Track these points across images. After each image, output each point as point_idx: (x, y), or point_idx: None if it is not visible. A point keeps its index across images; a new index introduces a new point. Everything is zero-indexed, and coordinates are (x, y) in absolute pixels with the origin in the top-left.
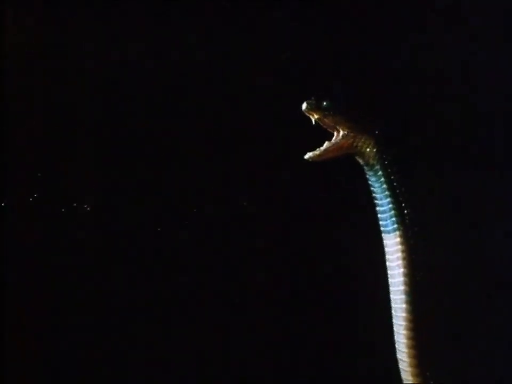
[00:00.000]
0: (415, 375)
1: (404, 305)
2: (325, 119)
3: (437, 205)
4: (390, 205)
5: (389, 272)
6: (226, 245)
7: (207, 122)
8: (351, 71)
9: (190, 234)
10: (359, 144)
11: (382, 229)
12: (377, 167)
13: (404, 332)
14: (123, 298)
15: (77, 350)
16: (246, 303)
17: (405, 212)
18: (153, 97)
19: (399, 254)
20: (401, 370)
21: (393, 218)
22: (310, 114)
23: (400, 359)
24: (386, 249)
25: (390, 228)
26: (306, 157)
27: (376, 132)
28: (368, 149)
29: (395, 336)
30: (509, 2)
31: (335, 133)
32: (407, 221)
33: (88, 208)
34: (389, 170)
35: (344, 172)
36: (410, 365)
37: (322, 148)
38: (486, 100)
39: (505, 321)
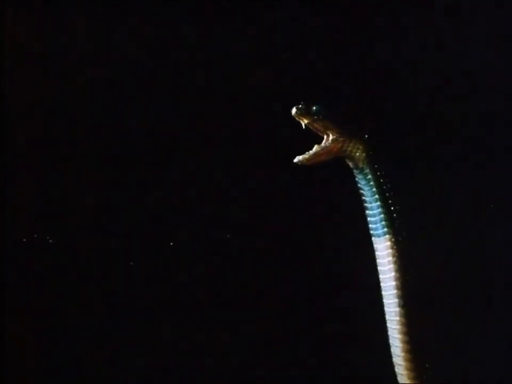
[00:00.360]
0: (411, 378)
1: (397, 309)
2: (315, 124)
3: (431, 207)
4: (380, 209)
5: (380, 276)
6: (226, 245)
7: (207, 122)
8: (351, 71)
9: (190, 234)
10: (349, 148)
11: (372, 232)
12: (367, 170)
13: (399, 335)
14: (123, 298)
15: (77, 350)
16: (243, 303)
17: (395, 215)
18: (153, 97)
19: (390, 258)
20: (397, 374)
21: (383, 222)
22: (300, 119)
23: (396, 363)
24: (377, 253)
25: (380, 231)
26: (295, 160)
27: (366, 136)
28: (357, 153)
29: (390, 340)
30: (509, 2)
31: (325, 137)
32: (397, 224)
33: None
34: (379, 173)
35: (339, 174)
36: (406, 368)
37: (311, 152)
38: (486, 99)
39: (505, 321)
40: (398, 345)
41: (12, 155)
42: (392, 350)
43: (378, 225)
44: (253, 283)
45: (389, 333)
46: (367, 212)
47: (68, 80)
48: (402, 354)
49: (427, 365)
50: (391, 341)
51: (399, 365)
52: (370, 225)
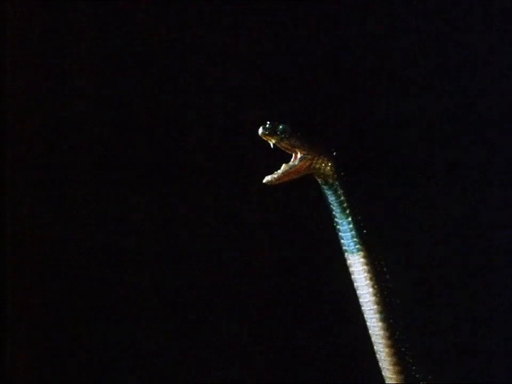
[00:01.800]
0: None
1: (380, 323)
2: (282, 143)
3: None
4: (351, 225)
5: (358, 292)
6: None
7: (206, 122)
8: (351, 72)
9: (190, 235)
10: (317, 165)
11: (344, 248)
12: (336, 186)
13: (385, 349)
14: (123, 299)
15: (77, 351)
16: (242, 304)
17: (365, 231)
18: (153, 97)
19: (366, 274)
20: None
21: (355, 239)
22: (267, 139)
23: (386, 376)
24: (351, 269)
25: (352, 247)
26: (264, 181)
27: (334, 153)
28: (326, 169)
29: (377, 355)
30: (509, 2)
31: (293, 155)
32: (369, 239)
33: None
34: (348, 188)
35: None
36: (397, 381)
37: (280, 171)
38: (486, 99)
39: (505, 321)
40: (386, 358)
41: (12, 155)
42: (380, 364)
43: (350, 241)
44: (252, 285)
45: (375, 347)
46: (337, 227)
47: (68, 80)
48: (391, 367)
49: (417, 376)
50: (378, 355)
51: (389, 377)
52: (342, 242)
